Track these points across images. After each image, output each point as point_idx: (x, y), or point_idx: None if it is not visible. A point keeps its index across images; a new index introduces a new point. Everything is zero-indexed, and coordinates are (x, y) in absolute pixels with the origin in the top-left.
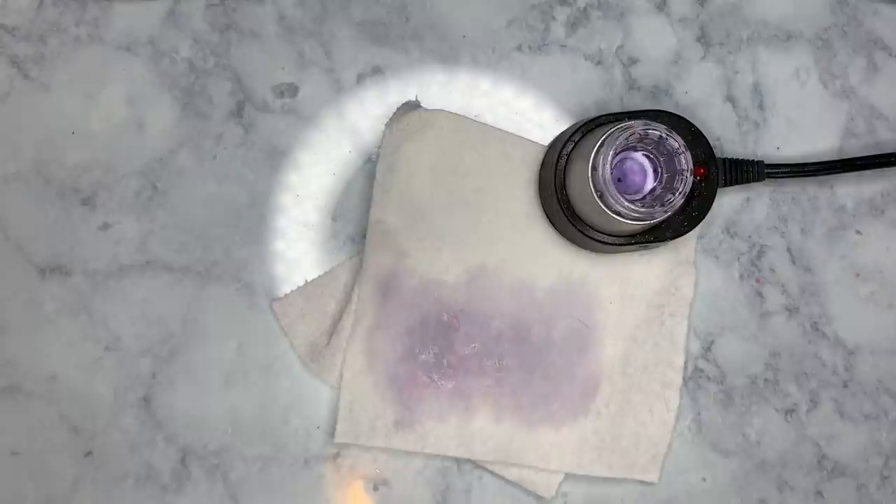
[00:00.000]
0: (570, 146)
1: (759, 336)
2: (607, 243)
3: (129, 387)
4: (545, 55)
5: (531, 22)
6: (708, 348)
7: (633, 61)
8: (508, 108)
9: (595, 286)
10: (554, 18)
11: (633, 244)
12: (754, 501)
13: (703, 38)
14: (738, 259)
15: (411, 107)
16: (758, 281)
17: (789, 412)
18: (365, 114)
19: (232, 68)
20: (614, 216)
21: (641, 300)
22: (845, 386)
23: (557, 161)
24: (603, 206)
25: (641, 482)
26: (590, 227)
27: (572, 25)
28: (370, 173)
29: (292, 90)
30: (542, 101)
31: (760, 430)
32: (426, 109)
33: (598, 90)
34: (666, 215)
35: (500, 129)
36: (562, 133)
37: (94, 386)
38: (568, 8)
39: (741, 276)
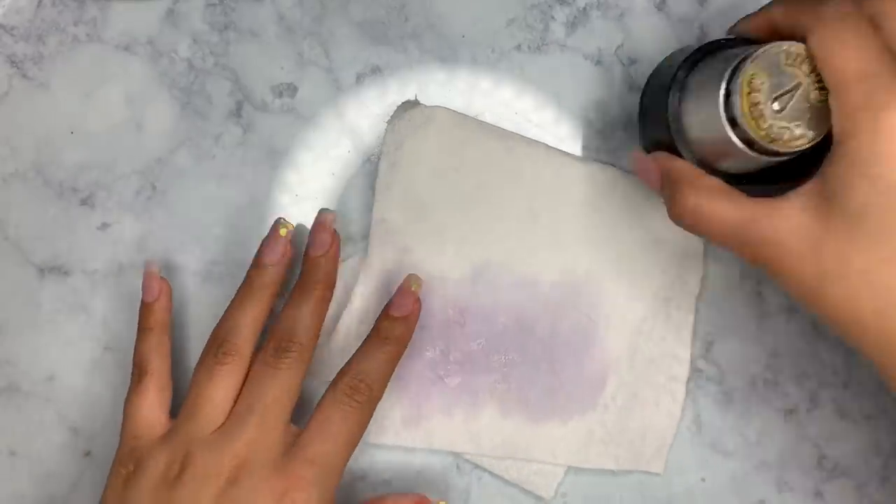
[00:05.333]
0: (682, 73)
1: (759, 336)
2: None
3: None
4: (545, 55)
5: (531, 22)
6: (708, 349)
7: (633, 61)
8: (508, 108)
9: (600, 280)
10: (553, 18)
11: (755, 182)
12: (754, 501)
13: (702, 38)
14: (739, 259)
15: (411, 105)
16: (758, 281)
17: (789, 412)
18: (364, 113)
19: (231, 68)
20: (743, 146)
21: (647, 293)
22: (845, 386)
23: (671, 86)
24: (733, 137)
25: (641, 482)
26: (703, 164)
27: (572, 25)
28: (370, 173)
29: (291, 90)
30: (542, 100)
31: (760, 430)
32: (428, 106)
33: (597, 90)
34: (819, 138)
35: (501, 127)
36: (670, 57)
37: (93, 386)
38: (567, 8)
39: (741, 276)
